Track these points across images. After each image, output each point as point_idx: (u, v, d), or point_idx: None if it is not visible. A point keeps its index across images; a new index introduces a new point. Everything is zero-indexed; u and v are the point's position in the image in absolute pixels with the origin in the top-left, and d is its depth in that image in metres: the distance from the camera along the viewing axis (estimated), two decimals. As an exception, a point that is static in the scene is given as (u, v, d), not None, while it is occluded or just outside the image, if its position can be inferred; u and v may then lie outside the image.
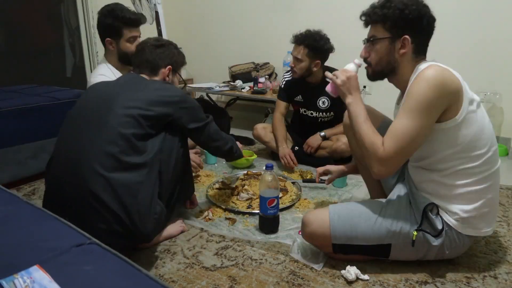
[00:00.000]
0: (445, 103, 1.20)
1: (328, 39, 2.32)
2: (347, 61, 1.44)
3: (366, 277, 1.33)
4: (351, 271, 1.33)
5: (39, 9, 3.52)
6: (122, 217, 1.27)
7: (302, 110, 2.56)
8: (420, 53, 1.31)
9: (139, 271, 0.74)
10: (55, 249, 0.79)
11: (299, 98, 2.53)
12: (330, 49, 2.32)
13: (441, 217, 1.30)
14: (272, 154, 2.63)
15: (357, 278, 1.33)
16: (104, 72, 1.95)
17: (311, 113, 2.53)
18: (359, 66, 1.42)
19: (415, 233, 1.29)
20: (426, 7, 1.27)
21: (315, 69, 2.33)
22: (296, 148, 2.54)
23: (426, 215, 1.30)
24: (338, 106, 2.26)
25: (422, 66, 1.26)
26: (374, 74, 1.38)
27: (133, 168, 1.32)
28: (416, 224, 1.31)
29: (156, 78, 1.56)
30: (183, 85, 1.68)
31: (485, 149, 1.25)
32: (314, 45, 2.26)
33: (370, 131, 1.28)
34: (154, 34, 2.91)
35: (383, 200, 1.43)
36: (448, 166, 1.27)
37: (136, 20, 1.99)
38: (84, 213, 1.28)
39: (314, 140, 2.47)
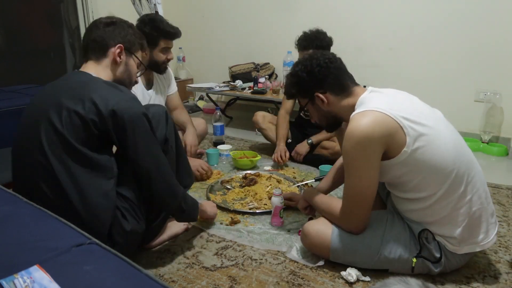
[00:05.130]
0: (379, 149, 1.18)
1: (326, 33, 2.28)
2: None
3: (367, 278, 1.33)
4: (352, 273, 1.32)
5: (39, 9, 3.52)
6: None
7: (302, 114, 2.54)
8: (343, 90, 1.33)
9: (139, 271, 0.74)
10: (55, 249, 0.79)
11: None
12: (332, 42, 2.29)
13: (438, 242, 1.27)
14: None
15: (358, 280, 1.33)
16: None
17: None
18: (279, 195, 1.66)
19: (414, 260, 1.27)
20: (318, 59, 1.32)
21: None
22: (289, 141, 2.52)
23: (423, 241, 1.28)
24: None
25: (356, 110, 1.26)
26: (328, 128, 1.51)
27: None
28: (416, 251, 1.29)
29: (106, 60, 1.36)
30: (143, 70, 1.53)
31: (450, 168, 1.20)
32: (323, 44, 2.21)
33: (325, 205, 1.42)
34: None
35: (385, 219, 1.37)
36: (427, 193, 1.23)
37: (174, 33, 2.08)
38: None
39: (302, 147, 2.45)
